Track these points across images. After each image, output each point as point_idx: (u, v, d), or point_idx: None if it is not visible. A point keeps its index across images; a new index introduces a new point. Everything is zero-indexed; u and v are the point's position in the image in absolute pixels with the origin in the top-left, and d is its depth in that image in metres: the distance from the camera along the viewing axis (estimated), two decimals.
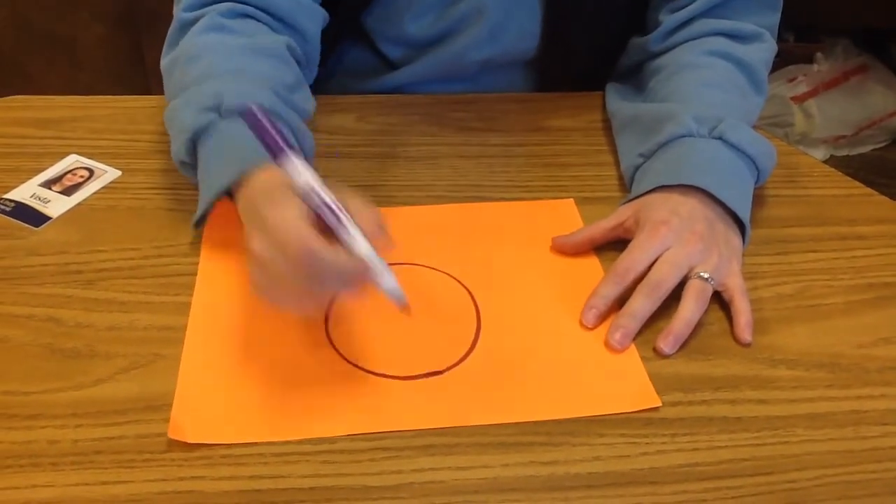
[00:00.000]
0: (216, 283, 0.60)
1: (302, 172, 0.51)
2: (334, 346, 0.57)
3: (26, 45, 1.68)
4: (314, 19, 0.74)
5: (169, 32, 0.71)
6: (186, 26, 0.69)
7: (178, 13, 0.70)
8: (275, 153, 0.51)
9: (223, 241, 0.63)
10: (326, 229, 0.51)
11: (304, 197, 0.51)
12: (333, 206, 0.51)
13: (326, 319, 0.58)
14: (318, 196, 0.51)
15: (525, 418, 0.53)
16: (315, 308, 0.57)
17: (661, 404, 0.54)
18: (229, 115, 0.60)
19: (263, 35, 0.70)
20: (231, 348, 0.56)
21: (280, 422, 0.52)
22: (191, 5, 0.70)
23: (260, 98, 0.61)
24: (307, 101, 0.69)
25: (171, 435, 0.50)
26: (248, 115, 0.52)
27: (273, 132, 0.51)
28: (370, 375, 0.55)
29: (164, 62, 0.70)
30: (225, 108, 0.61)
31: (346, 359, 0.56)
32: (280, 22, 0.72)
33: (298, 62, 0.72)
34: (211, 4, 0.70)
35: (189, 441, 0.50)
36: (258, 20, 0.71)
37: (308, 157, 0.65)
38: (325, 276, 0.50)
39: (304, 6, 0.73)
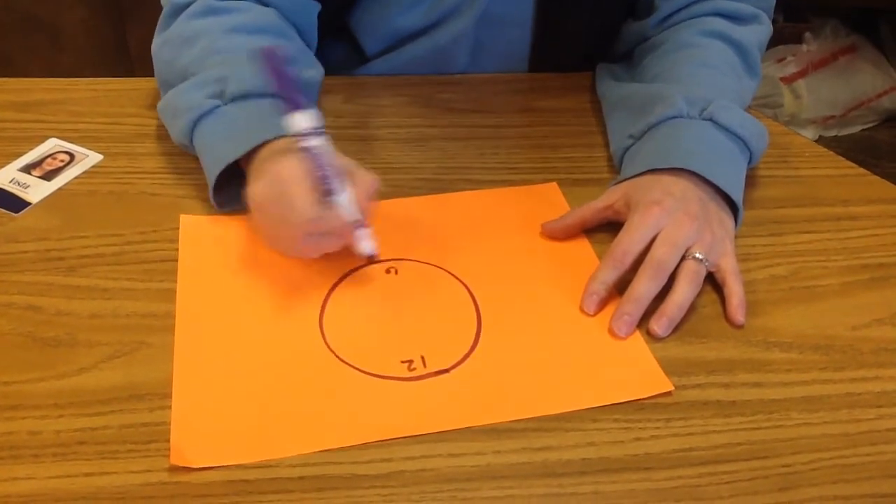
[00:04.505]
0: (199, 296, 0.57)
1: (308, 130, 0.54)
2: (332, 350, 0.54)
3: (7, 27, 1.65)
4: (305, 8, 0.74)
5: (161, 16, 0.70)
6: (179, 10, 0.69)
7: None
8: (288, 104, 0.54)
9: (200, 255, 0.61)
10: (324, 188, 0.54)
11: (308, 154, 0.54)
12: (330, 169, 0.54)
13: (321, 324, 0.56)
14: (319, 157, 0.54)
15: (541, 413, 0.51)
16: (311, 254, 0.58)
17: (673, 389, 0.53)
18: (234, 98, 0.62)
19: (255, 11, 0.69)
20: (224, 361, 0.53)
21: (287, 435, 0.49)
22: None
23: (260, 81, 0.62)
24: (310, 69, 0.70)
25: (174, 461, 0.47)
26: (268, 58, 0.55)
27: (291, 83, 0.55)
28: (375, 378, 0.53)
29: (155, 45, 0.69)
30: (229, 93, 0.62)
31: (346, 362, 0.54)
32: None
33: (296, 27, 0.73)
34: None
35: (193, 466, 0.47)
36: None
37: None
38: (316, 229, 0.55)
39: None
